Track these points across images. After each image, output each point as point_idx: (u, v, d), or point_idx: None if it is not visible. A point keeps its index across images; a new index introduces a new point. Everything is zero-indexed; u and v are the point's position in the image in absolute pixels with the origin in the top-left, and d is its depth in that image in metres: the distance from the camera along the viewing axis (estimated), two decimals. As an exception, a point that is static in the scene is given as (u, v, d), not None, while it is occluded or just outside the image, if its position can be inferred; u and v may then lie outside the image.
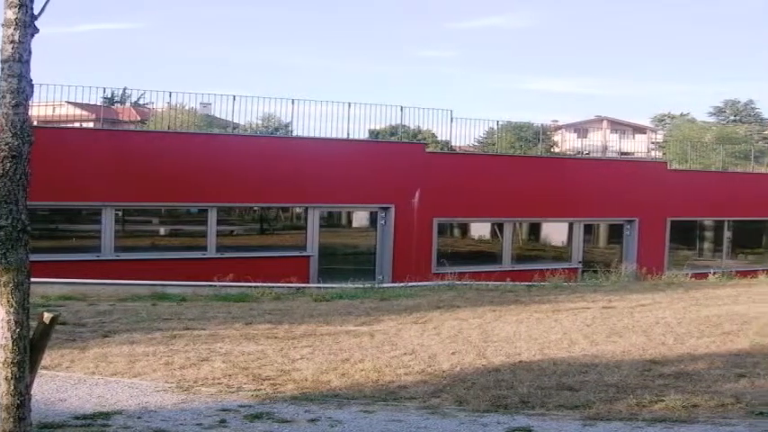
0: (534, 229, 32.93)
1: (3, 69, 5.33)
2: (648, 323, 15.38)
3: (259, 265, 24.83)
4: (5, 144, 5.29)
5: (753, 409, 8.93)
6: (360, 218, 29.88)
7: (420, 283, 22.55)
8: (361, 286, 21.15)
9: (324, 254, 27.29)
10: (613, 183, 32.06)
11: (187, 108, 33.40)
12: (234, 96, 26.82)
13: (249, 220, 28.91)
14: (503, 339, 13.42)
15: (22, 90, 5.31)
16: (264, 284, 20.20)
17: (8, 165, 5.26)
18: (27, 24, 5.31)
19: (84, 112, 39.82)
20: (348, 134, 28.14)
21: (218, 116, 31.67)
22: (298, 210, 28.13)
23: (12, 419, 5.36)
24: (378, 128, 34.06)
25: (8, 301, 5.31)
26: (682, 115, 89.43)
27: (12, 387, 5.35)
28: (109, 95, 44.44)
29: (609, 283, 23.84)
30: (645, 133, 70.71)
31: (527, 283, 22.94)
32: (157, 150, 25.09)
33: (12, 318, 5.31)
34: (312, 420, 8.33)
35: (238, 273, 21.84)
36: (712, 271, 28.30)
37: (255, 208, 27.93)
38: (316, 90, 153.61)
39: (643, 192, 32.29)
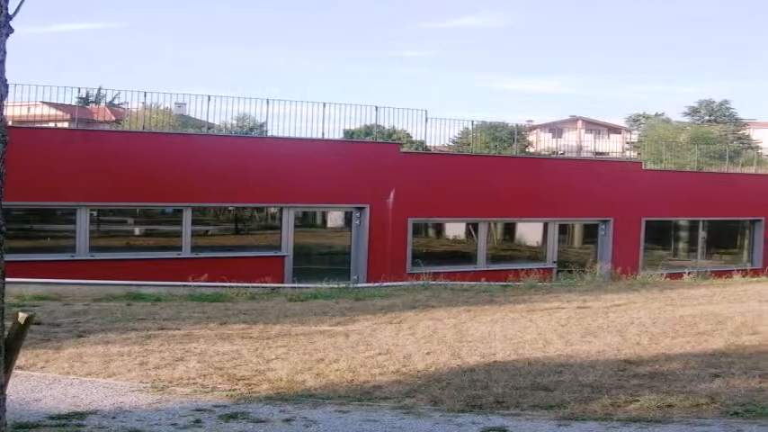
0: (509, 229, 33.02)
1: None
2: (623, 323, 15.43)
3: (234, 265, 24.85)
4: (-21, 144, 5.25)
5: (727, 409, 8.96)
6: (335, 218, 29.86)
7: (395, 283, 22.60)
8: (336, 286, 21.13)
9: (298, 254, 27.24)
10: (588, 183, 32.09)
11: (162, 108, 33.34)
12: (209, 96, 26.74)
13: (224, 220, 28.85)
14: (477, 339, 13.44)
15: (-4, 90, 5.27)
16: (239, 284, 20.17)
17: (-18, 165, 5.22)
18: (2, 25, 5.26)
19: (59, 112, 39.52)
20: (323, 134, 28.13)
21: (193, 116, 31.52)
22: (272, 210, 28.08)
23: (-15, 420, 5.32)
24: (352, 128, 34.02)
25: (-18, 302, 5.27)
26: (656, 115, 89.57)
27: (-15, 388, 5.31)
28: (84, 95, 44.21)
29: (584, 283, 23.92)
30: (620, 133, 70.76)
31: (502, 284, 23.01)
32: (132, 150, 24.96)
33: (-15, 318, 5.27)
34: (287, 420, 8.32)
35: (213, 273, 21.80)
36: (687, 271, 28.39)
37: (230, 208, 27.86)
38: (291, 90, 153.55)
39: (618, 192, 32.41)
